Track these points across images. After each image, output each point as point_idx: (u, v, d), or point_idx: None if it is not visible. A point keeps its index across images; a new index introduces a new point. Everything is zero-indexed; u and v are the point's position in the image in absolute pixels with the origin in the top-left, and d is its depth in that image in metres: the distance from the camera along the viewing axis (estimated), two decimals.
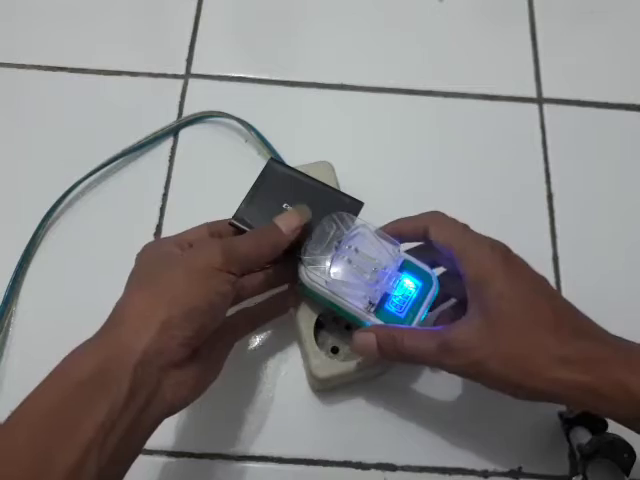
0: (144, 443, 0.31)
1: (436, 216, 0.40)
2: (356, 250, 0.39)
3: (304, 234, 0.39)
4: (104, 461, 0.28)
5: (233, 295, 0.35)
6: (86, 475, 0.27)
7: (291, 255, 0.40)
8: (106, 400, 0.28)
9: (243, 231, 0.41)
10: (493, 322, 0.34)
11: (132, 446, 0.30)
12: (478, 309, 0.35)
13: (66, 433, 0.28)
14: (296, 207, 0.40)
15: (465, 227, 0.38)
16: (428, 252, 0.40)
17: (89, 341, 0.31)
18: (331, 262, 0.39)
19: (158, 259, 0.35)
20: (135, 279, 0.35)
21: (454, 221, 0.39)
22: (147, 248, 0.37)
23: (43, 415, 0.28)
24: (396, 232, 0.40)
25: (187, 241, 0.37)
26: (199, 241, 0.37)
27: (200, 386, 0.34)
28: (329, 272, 0.39)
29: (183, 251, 0.36)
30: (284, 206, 0.41)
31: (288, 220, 0.39)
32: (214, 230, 0.39)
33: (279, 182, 0.42)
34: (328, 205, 0.41)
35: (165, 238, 0.38)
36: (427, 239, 0.39)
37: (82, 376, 0.29)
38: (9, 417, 0.28)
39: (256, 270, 0.41)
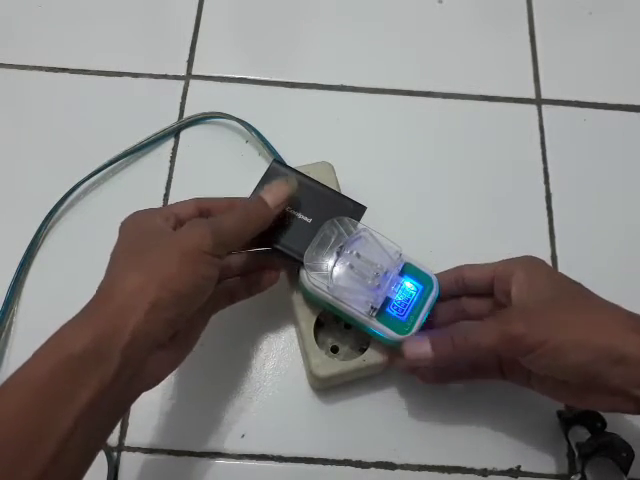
0: (123, 415, 0.33)
1: (466, 265, 0.42)
2: (358, 255, 0.40)
3: (285, 211, 0.40)
4: (88, 434, 0.29)
5: (217, 277, 0.36)
6: (73, 447, 0.28)
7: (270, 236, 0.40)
8: (96, 377, 0.29)
9: None
10: (541, 305, 0.36)
11: (113, 418, 0.32)
12: (518, 298, 0.37)
13: (58, 406, 0.28)
14: (282, 178, 0.40)
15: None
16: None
17: (81, 315, 0.32)
18: (333, 267, 0.39)
19: (147, 234, 0.35)
20: (124, 253, 0.35)
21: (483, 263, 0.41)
22: (133, 219, 0.37)
23: (36, 386, 0.29)
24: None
25: (174, 214, 0.37)
26: (190, 222, 0.36)
27: (179, 360, 0.36)
28: (331, 278, 0.39)
29: (172, 227, 0.36)
30: (287, 209, 0.41)
31: (275, 194, 0.39)
32: (203, 207, 0.39)
33: None
34: (331, 209, 0.41)
35: (151, 209, 0.38)
36: (463, 284, 0.41)
37: (74, 351, 0.30)
38: (2, 385, 0.29)
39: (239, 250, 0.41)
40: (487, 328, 0.36)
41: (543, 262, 0.39)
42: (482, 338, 0.36)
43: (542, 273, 0.39)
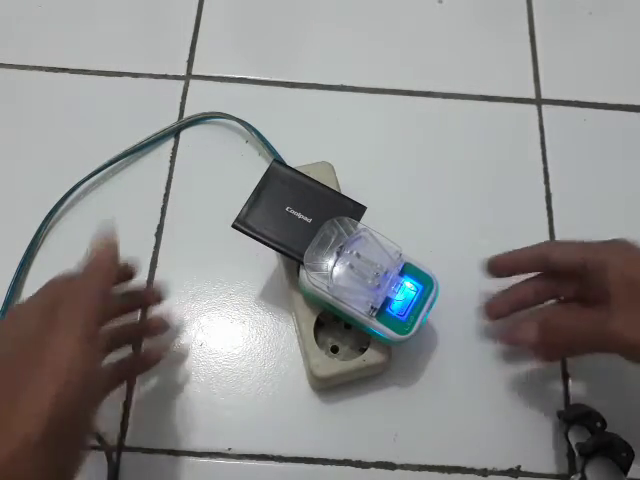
0: None
1: (552, 243, 0.42)
2: (358, 255, 0.40)
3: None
4: None
5: (101, 372, 0.33)
6: None
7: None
8: None
9: (247, 234, 0.41)
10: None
11: None
12: (615, 290, 0.36)
13: None
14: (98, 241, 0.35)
15: (583, 242, 0.40)
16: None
17: None
18: (333, 267, 0.39)
19: (20, 351, 0.30)
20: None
21: (571, 241, 0.41)
22: (6, 323, 0.33)
23: None
24: (513, 263, 0.42)
25: (52, 309, 0.31)
26: (56, 329, 0.30)
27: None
28: (331, 278, 0.39)
29: (47, 331, 0.30)
30: (287, 209, 0.41)
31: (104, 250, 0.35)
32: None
33: (283, 185, 0.42)
34: (331, 209, 0.41)
35: (26, 305, 0.33)
36: (547, 263, 0.41)
37: None
38: None
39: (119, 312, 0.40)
40: (584, 322, 0.36)
41: (638, 247, 0.38)
42: (579, 333, 0.36)
43: (639, 260, 0.37)
